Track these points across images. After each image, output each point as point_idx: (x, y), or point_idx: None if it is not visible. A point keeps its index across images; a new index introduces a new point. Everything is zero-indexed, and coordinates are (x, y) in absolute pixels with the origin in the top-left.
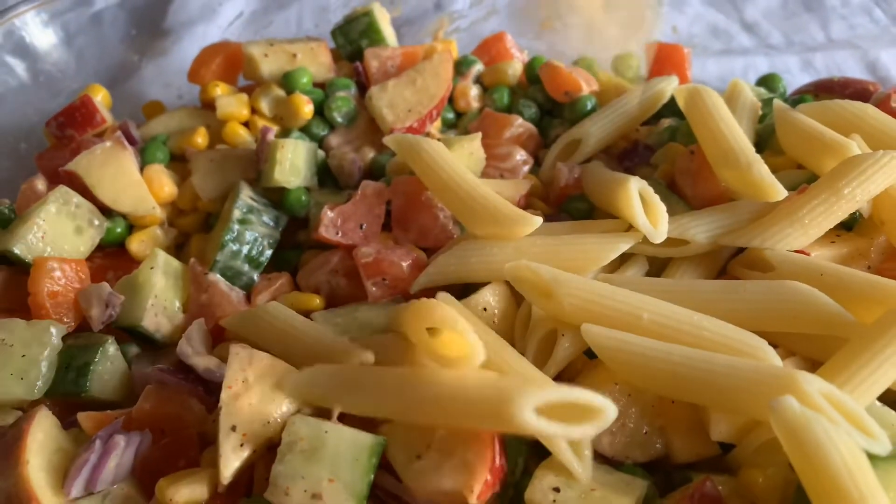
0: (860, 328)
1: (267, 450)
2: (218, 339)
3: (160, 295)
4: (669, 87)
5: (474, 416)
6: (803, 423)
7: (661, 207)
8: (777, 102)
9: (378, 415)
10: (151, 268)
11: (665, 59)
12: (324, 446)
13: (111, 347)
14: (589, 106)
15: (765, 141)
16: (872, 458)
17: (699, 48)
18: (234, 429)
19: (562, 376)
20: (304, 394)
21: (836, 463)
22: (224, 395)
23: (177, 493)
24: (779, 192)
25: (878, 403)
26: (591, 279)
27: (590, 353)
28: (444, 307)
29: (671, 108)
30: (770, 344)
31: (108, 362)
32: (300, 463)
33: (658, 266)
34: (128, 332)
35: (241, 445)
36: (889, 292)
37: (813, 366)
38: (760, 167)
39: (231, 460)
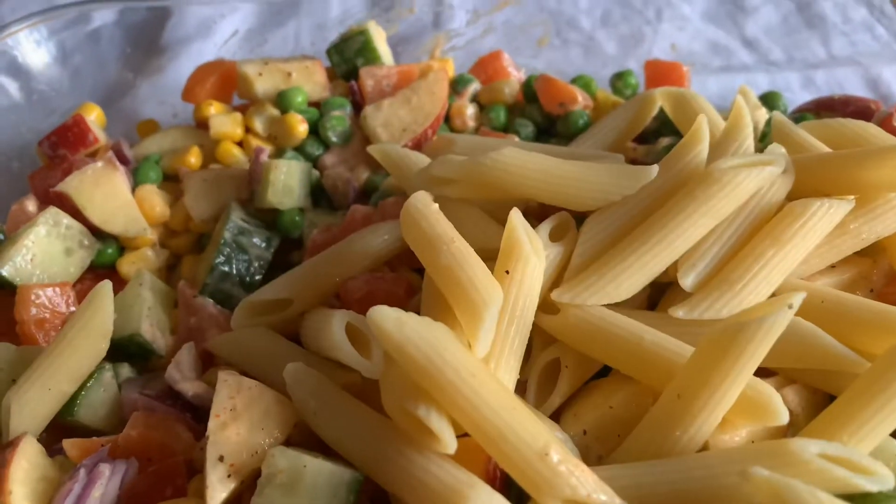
0: (863, 366)
1: (255, 480)
2: (208, 364)
3: (153, 308)
4: (657, 95)
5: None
6: (777, 491)
7: None
8: (776, 115)
9: (344, 455)
10: (140, 284)
11: (664, 77)
12: (302, 480)
13: (107, 374)
14: (581, 122)
15: None
16: (875, 495)
17: (699, 65)
18: (221, 459)
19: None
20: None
21: None
22: (212, 423)
23: None
24: None
25: None
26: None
27: None
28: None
29: (670, 127)
30: (769, 371)
31: (102, 389)
32: (278, 496)
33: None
34: (123, 350)
35: (229, 476)
36: (893, 321)
37: (813, 393)
38: None
39: (218, 491)
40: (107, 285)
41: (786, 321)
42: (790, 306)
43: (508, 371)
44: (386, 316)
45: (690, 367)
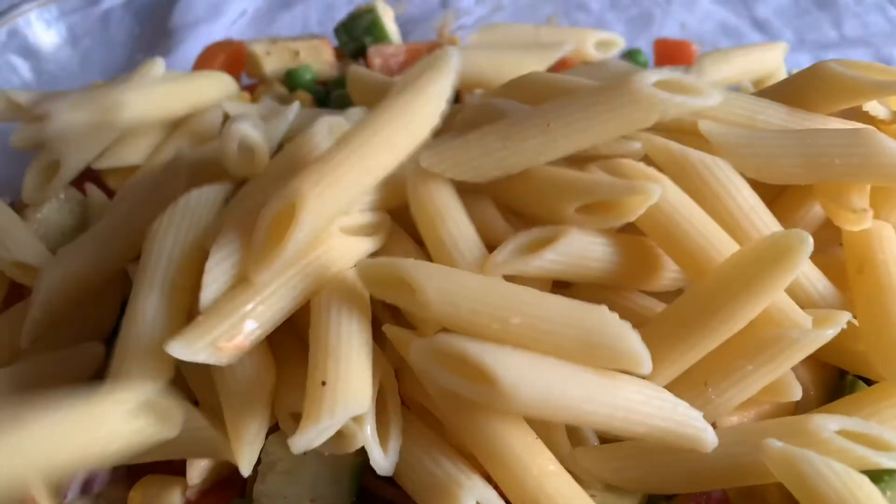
0: None
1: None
2: None
3: None
4: None
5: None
6: (792, 463)
7: None
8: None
9: None
10: None
11: (672, 56)
12: (303, 466)
13: None
14: None
15: None
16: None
17: (709, 47)
18: None
19: None
20: None
21: (829, 496)
22: None
23: (145, 502)
24: None
25: None
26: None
27: None
28: None
29: None
30: None
31: None
32: (281, 483)
33: None
34: None
35: None
36: None
37: (823, 368)
38: None
39: (198, 461)
40: None
41: None
42: None
43: None
44: None
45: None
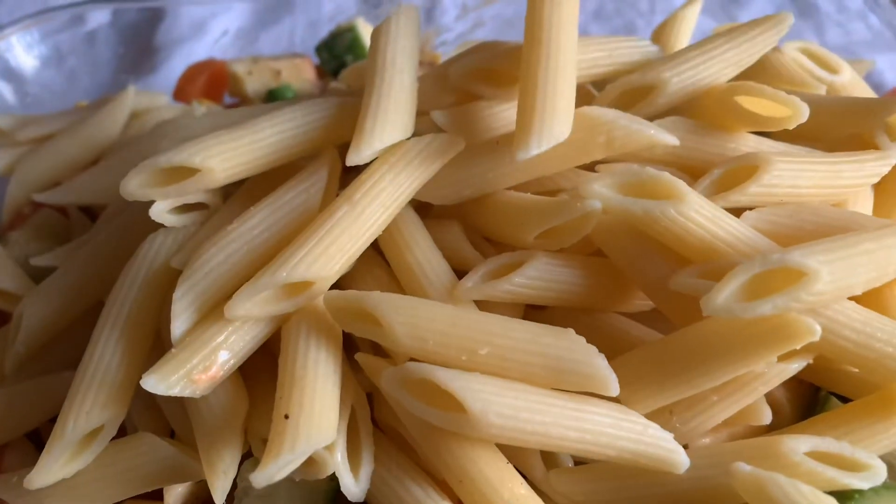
0: None
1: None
2: None
3: None
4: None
5: None
6: (760, 486)
7: None
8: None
9: None
10: None
11: None
12: (278, 491)
13: None
14: None
15: None
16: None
17: None
18: None
19: None
20: None
21: None
22: None
23: None
24: None
25: None
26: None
27: None
28: None
29: None
30: None
31: None
32: None
33: None
34: None
35: None
36: None
37: (799, 384)
38: None
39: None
40: None
41: None
42: None
43: None
44: None
45: None
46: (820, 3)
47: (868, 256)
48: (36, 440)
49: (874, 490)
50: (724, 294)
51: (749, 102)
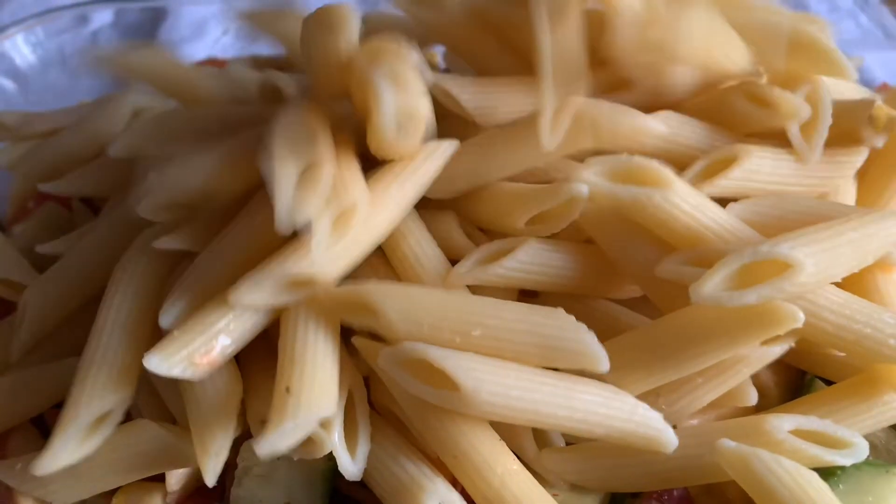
0: None
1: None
2: None
3: None
4: None
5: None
6: (744, 461)
7: None
8: None
9: None
10: None
11: None
12: (277, 471)
13: None
14: None
15: None
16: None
17: None
18: None
19: None
20: None
21: (781, 492)
22: None
23: None
24: None
25: None
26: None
27: None
28: None
29: None
30: None
31: None
32: (257, 487)
33: None
34: None
35: None
36: None
37: (786, 369)
38: None
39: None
40: None
41: None
42: None
43: None
44: None
45: None
46: (811, 3)
47: (850, 246)
48: (40, 426)
49: (856, 467)
50: (712, 283)
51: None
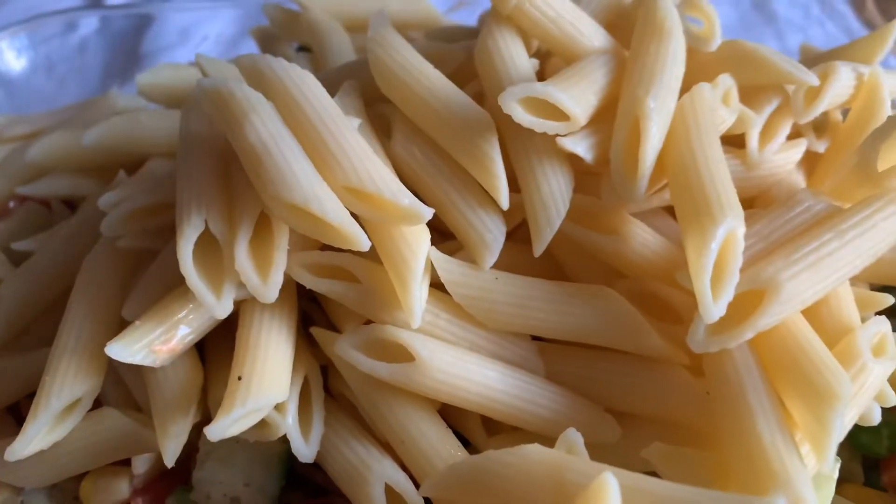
0: None
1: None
2: None
3: None
4: None
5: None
6: None
7: None
8: None
9: None
10: None
11: None
12: (236, 454)
13: None
14: None
15: None
16: None
17: None
18: None
19: None
20: None
21: None
22: None
23: (96, 492)
24: None
25: None
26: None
27: None
28: None
29: None
30: None
31: None
32: (217, 469)
33: None
34: None
35: None
36: None
37: None
38: None
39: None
40: None
41: None
42: None
43: None
44: None
45: None
46: (779, 10)
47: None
48: (14, 414)
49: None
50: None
51: None
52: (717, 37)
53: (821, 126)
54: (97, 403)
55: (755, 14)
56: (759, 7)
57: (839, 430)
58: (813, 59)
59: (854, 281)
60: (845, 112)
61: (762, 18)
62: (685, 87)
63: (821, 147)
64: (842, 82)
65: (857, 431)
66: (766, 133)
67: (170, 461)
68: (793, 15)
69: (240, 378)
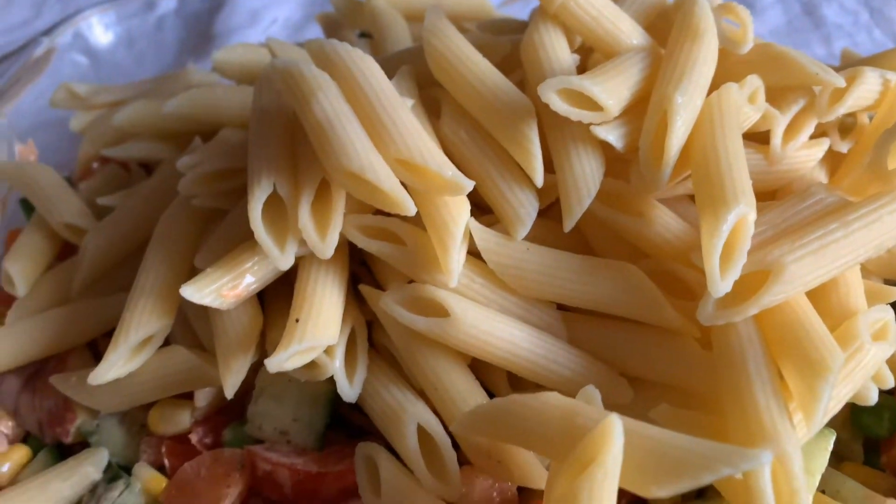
0: None
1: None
2: None
3: None
4: None
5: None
6: None
7: None
8: None
9: None
10: None
11: None
12: (287, 392)
13: None
14: None
15: None
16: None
17: None
18: None
19: None
20: None
21: None
22: None
23: (161, 421)
24: None
25: None
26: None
27: None
28: None
29: None
30: None
31: None
32: (270, 405)
33: None
34: None
35: None
36: None
37: None
38: None
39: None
40: None
41: None
42: None
43: None
44: None
45: None
46: (829, 16)
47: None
48: (93, 349)
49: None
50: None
51: None
52: (749, 40)
53: (848, 128)
54: (166, 343)
55: (804, 19)
56: (809, 12)
57: (827, 398)
58: (850, 63)
59: (867, 274)
60: (873, 117)
61: (811, 23)
62: (715, 86)
63: (844, 147)
64: (867, 86)
65: (860, 412)
66: (791, 131)
67: (230, 393)
68: (843, 21)
69: (297, 320)
